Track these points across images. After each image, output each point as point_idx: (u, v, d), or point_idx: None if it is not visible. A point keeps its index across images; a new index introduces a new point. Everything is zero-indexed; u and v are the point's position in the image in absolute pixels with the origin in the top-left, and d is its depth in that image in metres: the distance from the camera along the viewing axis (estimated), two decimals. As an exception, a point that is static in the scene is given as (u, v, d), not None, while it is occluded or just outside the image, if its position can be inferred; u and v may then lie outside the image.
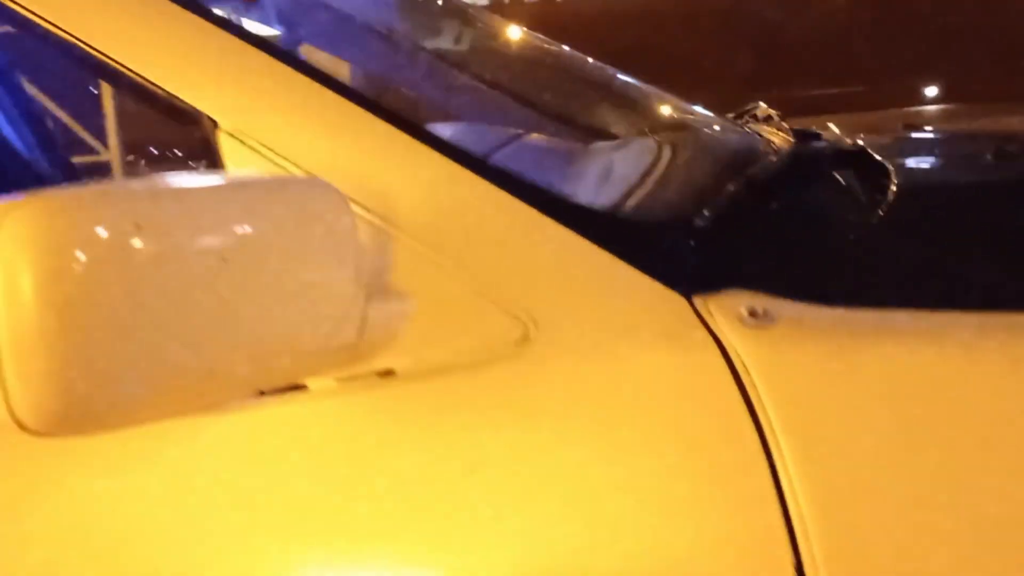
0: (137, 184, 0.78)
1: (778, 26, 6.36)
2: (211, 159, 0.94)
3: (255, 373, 0.83)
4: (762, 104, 1.70)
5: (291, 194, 0.84)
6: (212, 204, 0.79)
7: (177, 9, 0.96)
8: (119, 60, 0.94)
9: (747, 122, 1.71)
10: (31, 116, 1.69)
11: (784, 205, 1.10)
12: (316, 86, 0.95)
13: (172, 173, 0.82)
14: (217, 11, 0.97)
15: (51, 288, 0.71)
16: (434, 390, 0.91)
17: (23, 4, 0.95)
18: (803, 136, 1.60)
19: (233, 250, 0.78)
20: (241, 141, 0.93)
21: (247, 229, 0.80)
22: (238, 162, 0.93)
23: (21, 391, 0.72)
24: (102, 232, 0.73)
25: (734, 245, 1.00)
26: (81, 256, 0.72)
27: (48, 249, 0.71)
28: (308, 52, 1.01)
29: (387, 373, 0.91)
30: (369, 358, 0.90)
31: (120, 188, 0.77)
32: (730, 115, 1.82)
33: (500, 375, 0.91)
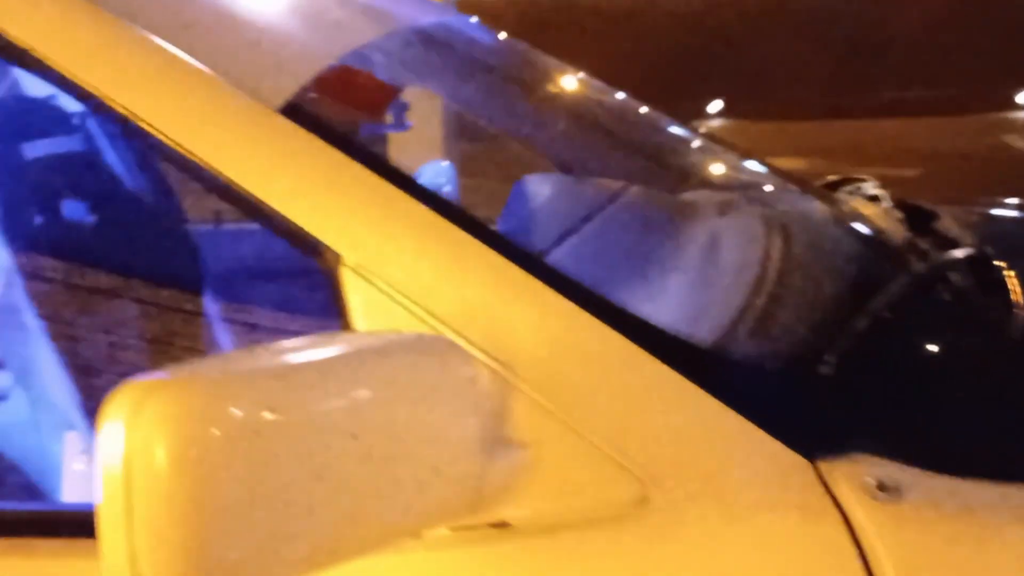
0: (268, 359, 0.78)
1: (865, 24, 6.20)
2: (333, 292, 0.92)
3: (375, 532, 0.82)
4: (869, 180, 1.64)
5: (417, 358, 0.83)
6: (341, 379, 0.78)
7: (305, 136, 0.94)
8: (246, 187, 0.92)
9: (852, 193, 1.65)
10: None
11: (914, 344, 1.06)
12: (443, 222, 0.93)
13: (299, 340, 0.81)
14: (343, 139, 0.95)
15: (187, 463, 0.72)
16: (549, 546, 0.90)
17: (157, 127, 0.93)
18: (915, 214, 1.54)
19: (363, 425, 0.78)
20: (364, 278, 0.91)
21: (376, 401, 0.79)
22: (359, 297, 0.91)
23: (152, 564, 0.72)
24: (236, 413, 0.73)
25: (862, 400, 0.97)
26: (216, 434, 0.73)
27: (186, 427, 0.72)
28: (434, 183, 0.98)
29: (502, 525, 0.90)
30: (484, 509, 0.89)
31: (253, 365, 0.77)
32: (833, 178, 1.76)
33: (617, 536, 0.89)
